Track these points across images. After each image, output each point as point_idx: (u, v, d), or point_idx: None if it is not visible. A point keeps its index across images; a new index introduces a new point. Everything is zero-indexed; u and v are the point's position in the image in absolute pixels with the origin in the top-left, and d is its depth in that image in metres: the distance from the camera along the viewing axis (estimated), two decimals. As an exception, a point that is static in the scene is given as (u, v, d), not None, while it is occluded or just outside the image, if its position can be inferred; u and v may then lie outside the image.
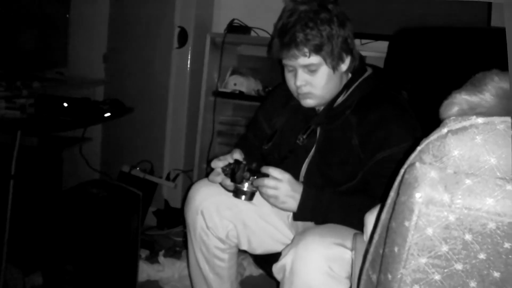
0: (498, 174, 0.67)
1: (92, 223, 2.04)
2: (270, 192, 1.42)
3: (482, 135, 0.68)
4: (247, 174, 1.45)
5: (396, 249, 0.71)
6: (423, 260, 0.69)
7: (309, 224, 1.53)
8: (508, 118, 0.68)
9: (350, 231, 1.32)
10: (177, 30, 2.87)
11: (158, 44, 2.95)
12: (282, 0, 1.64)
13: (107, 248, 2.05)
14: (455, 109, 0.80)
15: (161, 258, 2.41)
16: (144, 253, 2.48)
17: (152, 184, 2.93)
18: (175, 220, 2.90)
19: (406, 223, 0.67)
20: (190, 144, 2.96)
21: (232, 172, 1.49)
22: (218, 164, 1.53)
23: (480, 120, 0.69)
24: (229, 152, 1.58)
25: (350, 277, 1.22)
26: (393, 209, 0.72)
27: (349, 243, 1.28)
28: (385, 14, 2.62)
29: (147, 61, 2.99)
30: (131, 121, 2.90)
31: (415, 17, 2.51)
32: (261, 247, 1.70)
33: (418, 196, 0.65)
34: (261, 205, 1.60)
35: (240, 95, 2.85)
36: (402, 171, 0.74)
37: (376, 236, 0.84)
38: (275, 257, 1.46)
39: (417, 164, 0.68)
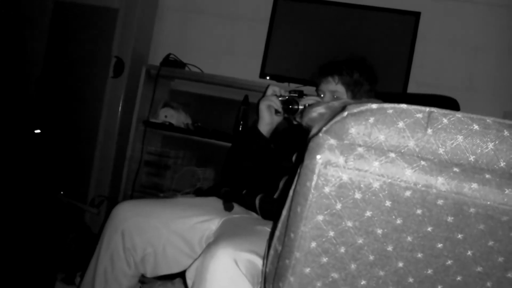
0: (385, 148, 0.79)
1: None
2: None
3: (374, 117, 0.80)
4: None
5: (298, 209, 0.81)
6: (320, 218, 0.79)
7: None
8: (396, 105, 0.82)
9: (264, 240, 1.39)
10: (113, 60, 2.96)
11: (94, 71, 3.02)
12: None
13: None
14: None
15: (77, 279, 2.40)
16: (60, 275, 2.46)
17: (76, 209, 2.92)
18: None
19: (308, 183, 0.78)
20: (117, 171, 2.99)
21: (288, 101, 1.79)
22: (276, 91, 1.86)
23: (374, 105, 0.82)
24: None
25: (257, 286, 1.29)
26: (299, 175, 0.82)
27: (261, 251, 1.31)
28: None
29: (81, 86, 3.04)
30: (60, 144, 2.92)
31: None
32: (178, 267, 1.67)
33: (318, 157, 0.76)
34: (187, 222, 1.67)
35: (169, 127, 2.93)
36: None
37: (284, 212, 0.93)
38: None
39: (320, 134, 0.80)
